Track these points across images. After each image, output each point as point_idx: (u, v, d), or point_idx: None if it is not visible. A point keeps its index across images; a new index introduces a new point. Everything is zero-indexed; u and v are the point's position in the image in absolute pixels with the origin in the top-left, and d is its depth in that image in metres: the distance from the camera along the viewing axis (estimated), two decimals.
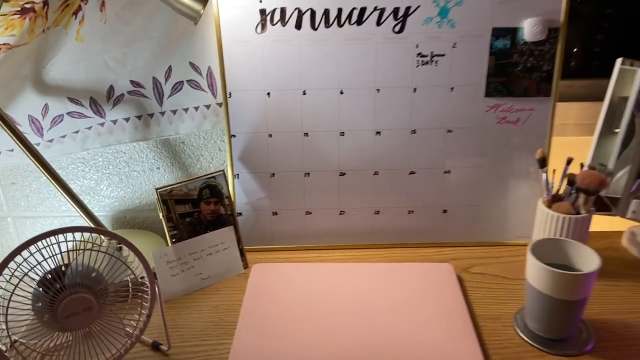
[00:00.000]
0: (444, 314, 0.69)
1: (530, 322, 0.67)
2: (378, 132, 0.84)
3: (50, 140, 0.86)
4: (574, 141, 0.95)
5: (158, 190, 0.75)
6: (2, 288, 0.56)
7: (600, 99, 0.82)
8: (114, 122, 0.87)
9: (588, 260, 0.65)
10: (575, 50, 1.05)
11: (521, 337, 0.67)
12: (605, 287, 0.76)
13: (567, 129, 0.97)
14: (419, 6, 0.77)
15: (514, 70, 0.80)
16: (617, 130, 0.83)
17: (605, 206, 0.85)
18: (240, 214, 0.87)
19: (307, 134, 0.84)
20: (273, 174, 0.86)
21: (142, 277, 0.63)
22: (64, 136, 0.86)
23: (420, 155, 0.85)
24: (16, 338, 0.58)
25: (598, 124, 0.82)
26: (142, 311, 0.64)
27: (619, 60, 0.79)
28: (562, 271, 0.61)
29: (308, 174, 0.86)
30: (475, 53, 0.79)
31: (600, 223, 0.86)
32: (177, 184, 0.77)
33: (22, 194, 0.96)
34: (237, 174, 0.86)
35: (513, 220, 0.87)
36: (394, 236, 0.88)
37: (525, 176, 0.85)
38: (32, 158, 0.73)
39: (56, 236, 0.59)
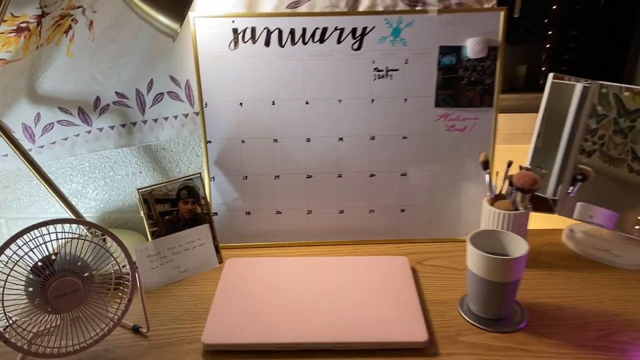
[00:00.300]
0: (397, 299, 0.76)
1: (472, 304, 0.75)
2: (341, 139, 0.92)
3: (41, 147, 0.92)
4: (521, 148, 1.04)
5: (140, 190, 0.83)
6: None
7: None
8: (100, 129, 0.93)
9: (519, 247, 0.73)
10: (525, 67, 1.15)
11: (463, 317, 0.74)
12: (542, 276, 0.84)
13: (515, 138, 1.06)
14: (374, 27, 0.86)
15: (459, 84, 0.89)
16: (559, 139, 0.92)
17: (549, 207, 0.94)
18: (215, 213, 0.94)
19: (276, 140, 0.92)
20: (246, 176, 0.94)
21: (124, 266, 0.71)
22: (54, 142, 0.92)
23: (379, 160, 0.93)
24: (11, 319, 0.65)
25: (534, 132, 0.92)
26: (124, 296, 0.71)
27: (551, 75, 0.90)
28: (494, 256, 0.69)
29: (278, 176, 0.94)
30: (425, 68, 0.88)
31: (546, 222, 0.95)
32: (157, 184, 0.84)
33: (15, 196, 1.02)
34: (213, 177, 0.93)
35: (463, 218, 0.95)
36: (356, 233, 0.96)
37: (474, 178, 0.93)
38: (25, 162, 0.79)
39: (47, 227, 0.66)
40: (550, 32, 1.13)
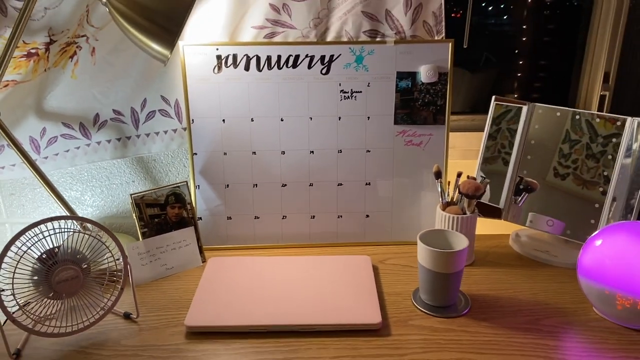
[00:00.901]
0: (358, 290, 0.86)
1: (422, 294, 0.86)
2: (312, 151, 1.03)
3: (46, 157, 1.01)
4: (473, 163, 1.14)
5: (132, 195, 0.93)
6: (9, 263, 0.72)
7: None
8: (98, 143, 1.03)
9: (461, 243, 0.84)
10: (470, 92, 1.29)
11: (415, 305, 0.85)
12: (487, 273, 0.95)
13: (471, 154, 1.17)
14: (340, 54, 0.98)
15: (415, 104, 1.01)
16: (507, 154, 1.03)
17: (499, 214, 1.05)
18: (200, 217, 1.04)
19: (254, 152, 1.02)
20: (227, 185, 1.04)
21: (118, 259, 0.81)
22: (56, 154, 1.01)
23: (346, 170, 1.03)
24: (19, 304, 0.74)
25: (481, 147, 1.04)
26: (117, 286, 0.81)
27: (493, 98, 1.02)
28: (438, 250, 0.80)
29: (256, 185, 1.04)
30: (385, 90, 0.99)
31: (496, 227, 1.06)
32: (148, 191, 0.94)
33: (19, 203, 1.11)
34: (198, 185, 1.03)
35: (422, 222, 1.05)
36: (326, 237, 1.06)
37: (429, 187, 1.04)
38: (33, 171, 0.88)
39: (52, 222, 0.76)
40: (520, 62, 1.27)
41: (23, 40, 0.89)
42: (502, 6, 1.28)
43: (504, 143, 1.03)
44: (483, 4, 1.26)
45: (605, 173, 0.93)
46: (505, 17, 1.30)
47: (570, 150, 0.97)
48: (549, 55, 1.28)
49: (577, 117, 0.96)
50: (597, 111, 1.18)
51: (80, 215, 1.11)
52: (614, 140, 0.92)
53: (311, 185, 1.04)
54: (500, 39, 1.31)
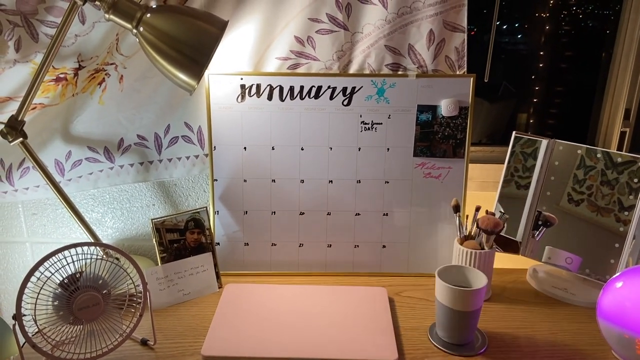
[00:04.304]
0: (374, 323, 0.86)
1: (439, 330, 0.86)
2: (330, 181, 1.03)
3: (69, 180, 1.03)
4: (491, 195, 1.15)
5: (153, 220, 0.94)
6: (31, 288, 0.73)
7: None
8: (121, 166, 1.05)
9: (479, 280, 0.84)
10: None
11: (431, 342, 0.84)
12: (504, 309, 0.94)
13: (489, 186, 1.17)
14: (362, 86, 0.99)
15: (434, 137, 1.01)
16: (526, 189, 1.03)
17: (517, 248, 1.05)
18: (218, 243, 1.05)
19: (274, 180, 1.03)
20: (246, 211, 1.05)
21: (138, 285, 0.82)
22: (80, 176, 1.03)
23: (364, 201, 1.04)
24: (39, 329, 0.75)
25: (500, 181, 1.04)
26: (135, 312, 0.81)
27: (514, 133, 1.03)
28: (457, 287, 0.80)
29: (274, 212, 1.05)
30: (405, 123, 1.00)
31: (514, 262, 1.05)
32: (168, 216, 0.95)
33: (41, 223, 1.13)
34: (217, 211, 1.04)
35: (438, 255, 1.05)
36: (342, 266, 1.06)
37: (447, 220, 1.04)
38: (56, 193, 0.90)
39: (75, 249, 0.77)
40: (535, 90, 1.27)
41: (52, 65, 0.92)
42: (520, 25, 1.28)
43: (523, 178, 1.03)
44: (504, 26, 1.26)
45: (621, 199, 0.93)
46: (519, 36, 1.30)
47: (584, 176, 0.97)
48: (569, 82, 1.28)
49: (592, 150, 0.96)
50: (617, 147, 1.18)
51: (100, 236, 1.12)
52: (630, 167, 0.92)
53: (329, 214, 1.05)
54: (516, 63, 1.31)
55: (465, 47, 0.98)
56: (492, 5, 1.08)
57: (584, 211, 0.97)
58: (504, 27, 1.28)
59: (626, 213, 0.93)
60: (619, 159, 0.93)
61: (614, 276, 0.82)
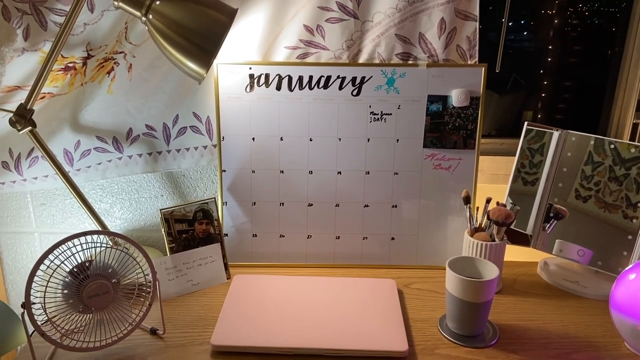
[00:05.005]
0: (383, 315, 0.86)
1: (449, 322, 0.85)
2: (339, 172, 1.03)
3: (78, 169, 1.03)
4: (502, 188, 1.14)
5: (162, 211, 0.94)
6: (41, 277, 0.73)
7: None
8: (130, 157, 1.04)
9: (491, 272, 0.83)
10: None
11: (441, 334, 0.84)
12: (515, 302, 0.93)
13: (499, 178, 1.16)
14: (371, 76, 0.98)
15: (445, 128, 1.00)
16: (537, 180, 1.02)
17: (527, 241, 1.04)
18: (226, 234, 1.04)
19: (282, 171, 1.03)
20: (254, 202, 1.04)
21: (148, 274, 0.81)
22: (89, 166, 1.03)
23: (373, 192, 1.03)
24: (49, 317, 0.75)
25: (511, 173, 1.03)
26: (145, 301, 0.81)
27: (525, 123, 1.01)
28: (468, 278, 0.79)
29: (282, 203, 1.04)
30: (415, 113, 0.99)
31: (525, 254, 1.05)
32: (177, 206, 0.95)
33: (49, 213, 1.13)
34: (226, 202, 1.04)
35: (448, 247, 1.04)
36: (351, 258, 1.05)
37: (457, 212, 1.03)
38: (65, 182, 0.90)
39: (85, 237, 0.77)
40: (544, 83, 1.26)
41: (61, 54, 0.92)
42: (527, 22, 1.27)
43: (534, 169, 1.02)
44: (510, 23, 1.25)
45: (629, 196, 0.92)
46: (525, 33, 1.29)
47: (592, 172, 0.96)
48: (578, 77, 1.27)
49: (603, 142, 0.95)
50: (630, 139, 1.16)
51: (108, 226, 1.12)
52: (639, 163, 0.91)
53: (337, 205, 1.04)
54: (525, 58, 1.30)
55: (477, 37, 0.97)
56: (498, 2, 1.07)
57: (592, 208, 0.96)
58: (510, 24, 1.26)
59: (633, 210, 0.92)
60: (629, 154, 0.92)
61: (627, 268, 0.81)
